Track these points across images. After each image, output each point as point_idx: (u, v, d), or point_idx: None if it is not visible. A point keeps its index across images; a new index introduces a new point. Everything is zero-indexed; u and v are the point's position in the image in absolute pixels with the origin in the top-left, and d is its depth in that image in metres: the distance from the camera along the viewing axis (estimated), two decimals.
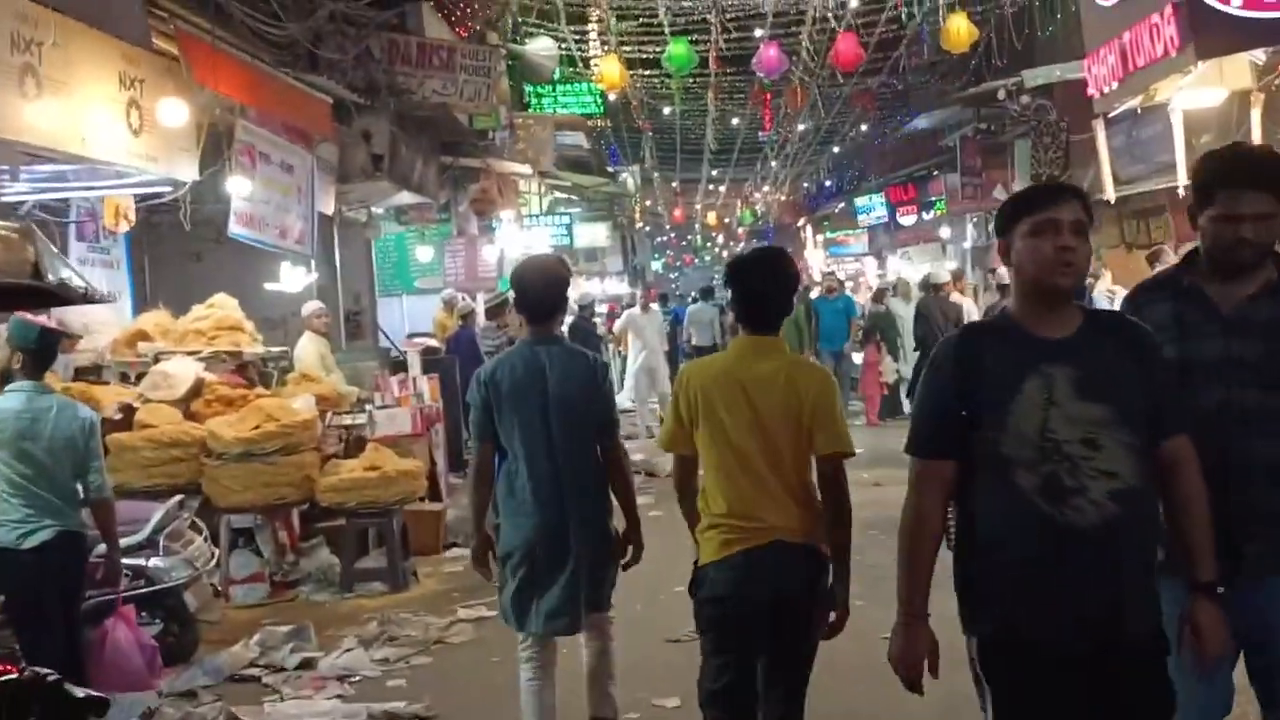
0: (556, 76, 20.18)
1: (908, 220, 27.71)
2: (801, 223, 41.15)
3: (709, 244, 60.35)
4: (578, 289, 17.26)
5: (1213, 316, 3.04)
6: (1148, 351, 2.81)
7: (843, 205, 34.16)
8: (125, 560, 5.98)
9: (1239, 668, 3.17)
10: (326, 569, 8.52)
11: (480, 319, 15.00)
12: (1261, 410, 2.98)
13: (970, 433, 2.76)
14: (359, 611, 7.70)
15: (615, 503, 4.83)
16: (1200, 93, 9.93)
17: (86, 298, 6.43)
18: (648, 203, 39.86)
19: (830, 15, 16.46)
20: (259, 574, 8.15)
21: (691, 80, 21.40)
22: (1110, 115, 11.36)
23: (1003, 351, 2.78)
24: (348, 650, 6.73)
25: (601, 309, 22.66)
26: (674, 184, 39.98)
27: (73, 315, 8.64)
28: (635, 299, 21.17)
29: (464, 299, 15.01)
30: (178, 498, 7.26)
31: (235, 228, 9.09)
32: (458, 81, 13.20)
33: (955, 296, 13.37)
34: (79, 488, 5.46)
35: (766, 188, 41.73)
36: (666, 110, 24.81)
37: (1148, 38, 9.24)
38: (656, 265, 54.85)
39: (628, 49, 18.33)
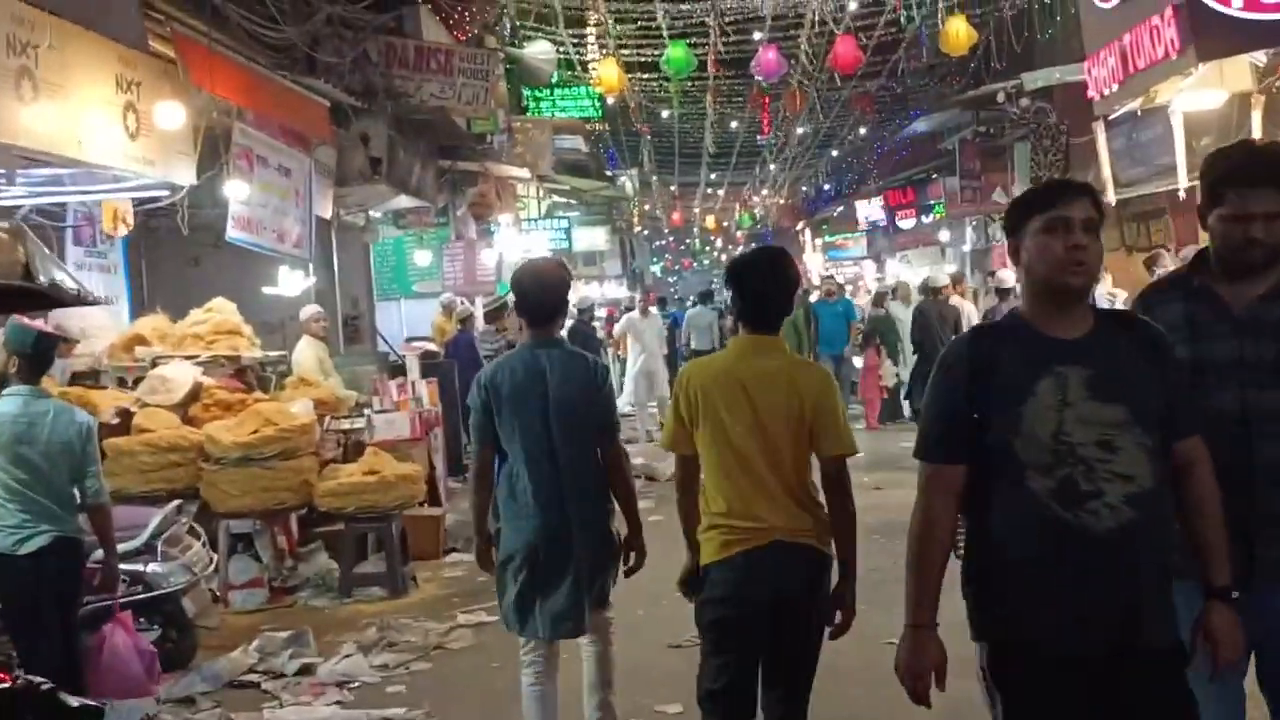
0: (554, 80, 20.18)
1: (907, 223, 27.71)
2: (800, 226, 41.17)
3: (707, 248, 60.36)
4: (576, 293, 17.21)
5: (1224, 317, 3.00)
6: (1161, 351, 2.76)
7: (841, 209, 34.19)
8: (123, 566, 5.95)
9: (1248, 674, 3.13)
10: (325, 574, 8.48)
11: (479, 323, 14.97)
12: (1277, 412, 2.93)
13: (981, 436, 2.70)
14: (358, 617, 7.66)
15: (616, 506, 4.81)
16: (1200, 95, 9.91)
17: (79, 299, 6.40)
18: (646, 206, 39.85)
19: (830, 19, 16.43)
20: (257, 579, 8.10)
21: (690, 84, 21.40)
22: (1110, 117, 11.34)
23: (1014, 353, 2.72)
24: (347, 656, 6.67)
25: (600, 313, 22.64)
26: (672, 188, 39.99)
27: (71, 320, 8.62)
28: (634, 303, 21.15)
29: (462, 303, 14.99)
30: (176, 503, 7.23)
31: (233, 232, 9.06)
32: (455, 85, 13.18)
33: (955, 300, 13.34)
34: (76, 493, 5.42)
35: (765, 191, 41.75)
36: (665, 114, 24.79)
37: (1148, 39, 9.22)
38: (655, 269, 54.85)
39: (626, 52, 18.31)
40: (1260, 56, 9.14)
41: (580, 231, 25.02)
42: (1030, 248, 2.74)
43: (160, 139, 7.60)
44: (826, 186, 37.77)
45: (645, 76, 20.77)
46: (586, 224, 26.34)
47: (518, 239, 19.54)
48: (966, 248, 24.50)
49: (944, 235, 25.32)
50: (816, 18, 16.59)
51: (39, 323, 6.13)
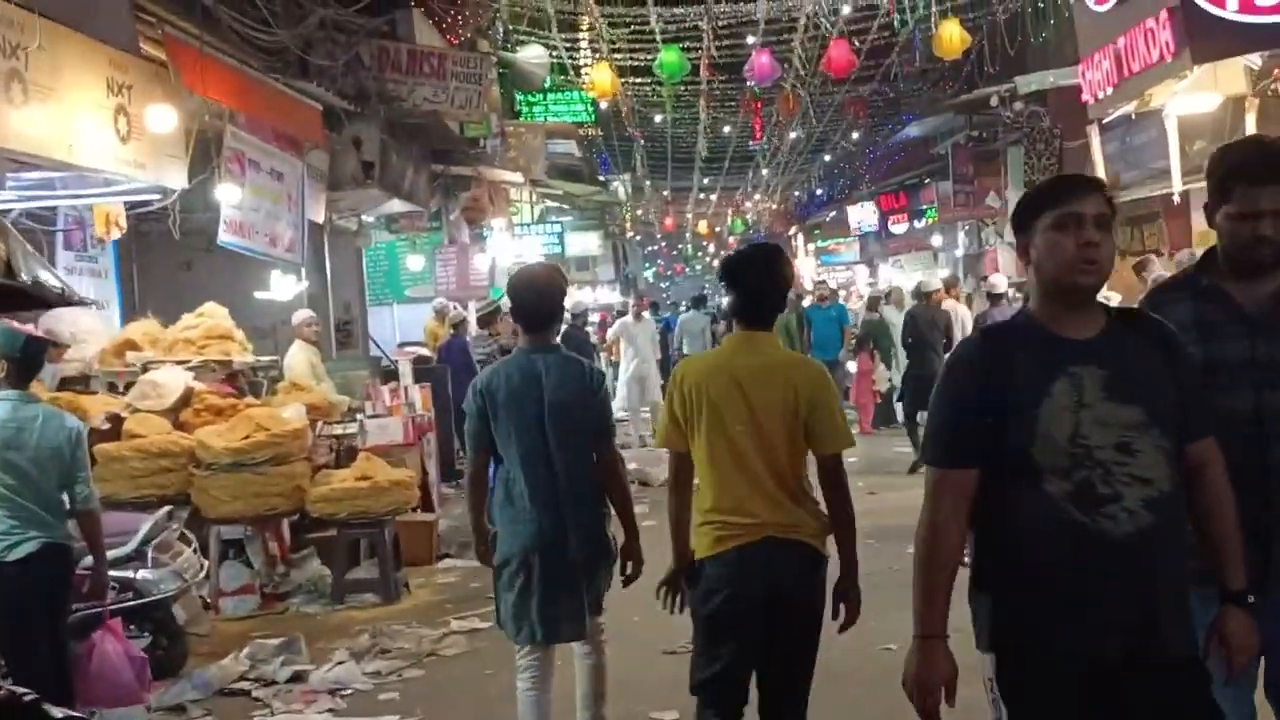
0: (547, 85, 20.15)
1: (899, 228, 27.75)
2: (793, 231, 41.19)
3: (700, 253, 60.35)
4: (570, 298, 17.21)
5: (1235, 317, 2.94)
6: (1174, 350, 2.70)
7: (834, 214, 34.21)
8: (113, 572, 5.88)
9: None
10: (317, 580, 8.42)
11: (472, 328, 14.92)
12: None
13: (994, 439, 2.62)
14: (350, 623, 7.60)
15: (612, 511, 4.80)
16: (1195, 98, 9.91)
17: (63, 299, 6.34)
18: (638, 211, 39.85)
19: (824, 21, 16.42)
20: (249, 586, 8.05)
21: (683, 88, 21.38)
22: (1104, 121, 11.34)
23: (1027, 353, 2.64)
24: (339, 663, 6.62)
25: (593, 318, 22.61)
26: (665, 192, 39.99)
27: (61, 324, 8.58)
28: (627, 307, 21.12)
29: (455, 308, 14.95)
30: (166, 509, 7.18)
31: (225, 236, 9.02)
32: (448, 89, 13.16)
33: (949, 304, 13.28)
34: (65, 499, 5.36)
35: (758, 196, 41.77)
36: (658, 118, 24.78)
37: (1143, 42, 9.22)
38: (647, 274, 54.86)
39: (619, 56, 18.29)
40: (1255, 59, 9.14)
41: (573, 236, 25.00)
42: (1040, 245, 2.65)
43: (151, 142, 7.56)
44: (819, 191, 37.81)
45: (638, 81, 20.75)
46: (579, 229, 26.31)
47: (510, 244, 19.51)
48: (959, 252, 24.52)
49: (936, 240, 25.35)
50: (810, 22, 16.57)
51: (28, 327, 6.09)
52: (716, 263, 49.92)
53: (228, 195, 8.89)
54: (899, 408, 14.97)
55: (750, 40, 17.63)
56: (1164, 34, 8.82)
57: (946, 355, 12.29)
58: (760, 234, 46.88)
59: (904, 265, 29.11)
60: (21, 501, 5.16)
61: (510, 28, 17.99)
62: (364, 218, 14.37)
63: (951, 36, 14.60)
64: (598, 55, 18.20)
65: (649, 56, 17.65)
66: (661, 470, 4.26)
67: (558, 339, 5.01)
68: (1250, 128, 9.64)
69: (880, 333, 15.56)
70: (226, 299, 9.99)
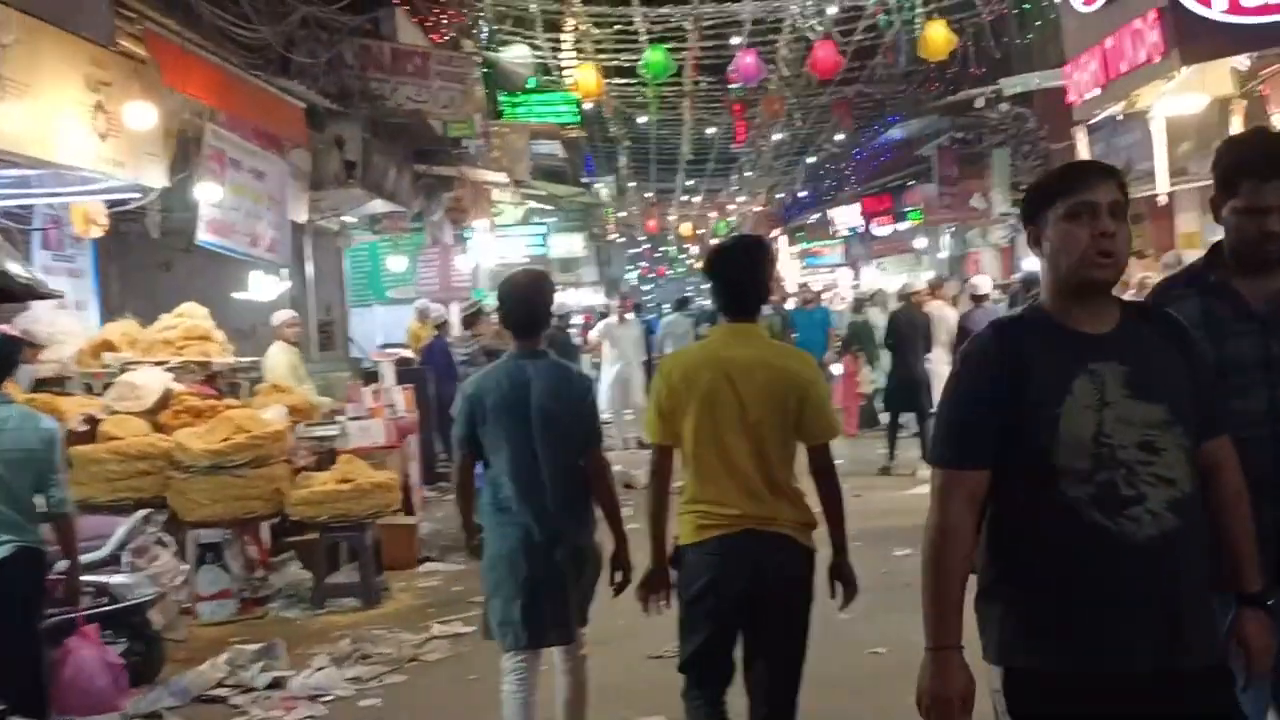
0: (532, 85, 20.08)
1: (883, 230, 27.80)
2: (776, 233, 41.21)
3: (683, 255, 60.35)
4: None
5: (1245, 314, 2.87)
6: (1189, 345, 2.60)
7: (817, 216, 34.25)
8: (88, 577, 5.80)
9: None
10: (297, 585, 8.31)
11: (455, 329, 14.84)
12: None
13: (1009, 438, 2.50)
14: (331, 628, 7.50)
15: (600, 518, 4.78)
16: (1181, 100, 9.92)
17: (30, 291, 6.24)
18: (622, 213, 39.82)
19: (808, 19, 16.40)
20: (227, 590, 7.93)
21: (667, 89, 21.34)
22: (1090, 123, 11.34)
23: (1044, 349, 2.53)
24: (319, 669, 6.52)
25: (577, 319, 22.53)
26: (648, 194, 39.98)
27: (38, 324, 8.48)
28: (610, 309, 21.04)
29: (438, 309, 14.86)
30: (143, 512, 7.06)
31: (204, 235, 8.95)
32: (432, 88, 13.09)
33: (934, 305, 13.26)
34: (39, 502, 5.26)
35: (742, 198, 41.79)
36: (642, 120, 24.73)
37: (1130, 44, 9.23)
38: (630, 276, 54.83)
39: (604, 56, 18.23)
40: (1243, 60, 9.14)
41: (557, 238, 24.94)
42: (1053, 237, 2.52)
43: (130, 140, 7.49)
44: (803, 193, 37.83)
45: (622, 81, 20.69)
46: (563, 230, 26.26)
47: (493, 245, 19.43)
48: (943, 254, 24.59)
49: (920, 242, 25.42)
50: (795, 22, 16.55)
51: (3, 327, 5.99)
52: (699, 265, 50.01)
53: (208, 194, 8.83)
54: (882, 408, 14.96)
55: (735, 41, 17.59)
56: (1152, 35, 8.83)
57: (926, 356, 12.25)
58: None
59: (887, 267, 29.20)
60: None
61: (494, 27, 17.91)
62: (346, 218, 14.29)
63: (937, 37, 14.58)
64: (582, 55, 18.13)
65: (634, 57, 17.59)
66: (645, 473, 4.22)
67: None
68: (1235, 129, 9.64)
69: (865, 335, 15.53)
70: (206, 299, 9.89)
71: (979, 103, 16.20)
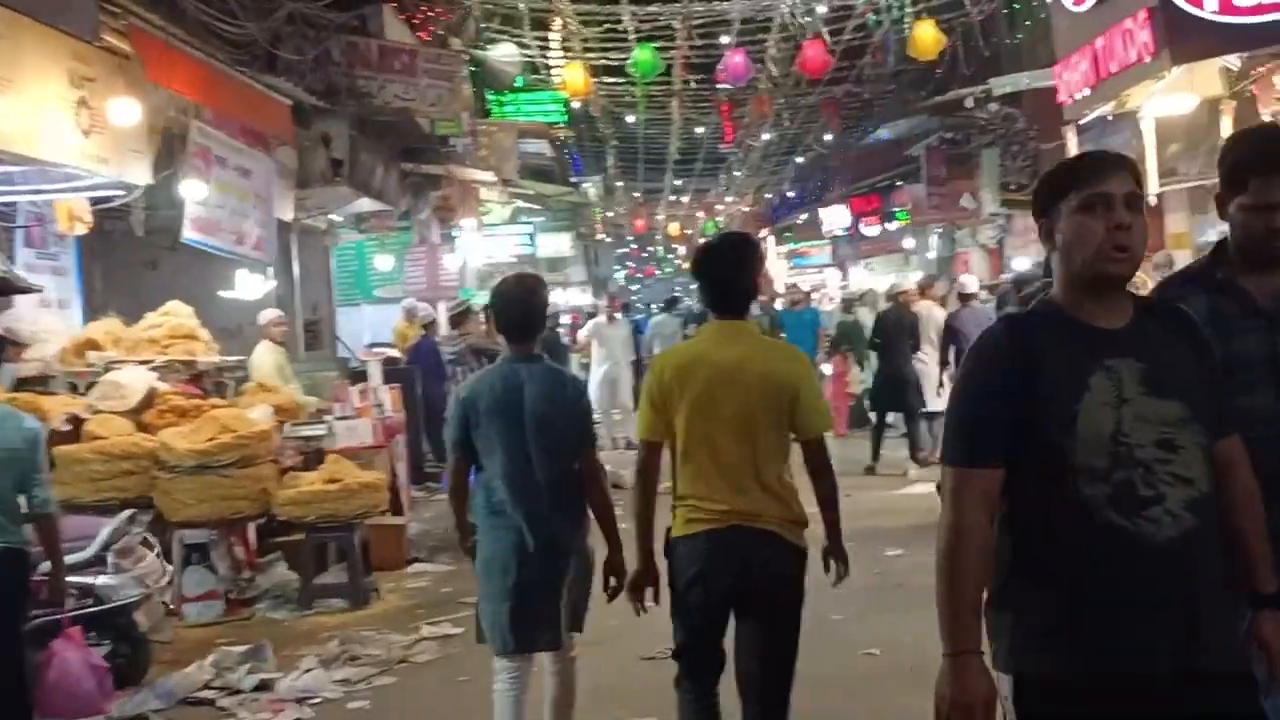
0: (519, 84, 20.02)
1: (871, 231, 27.79)
2: (764, 234, 41.20)
3: (670, 255, 60.31)
4: None
5: (1252, 311, 2.81)
6: (1201, 341, 2.55)
7: (806, 216, 34.24)
8: (73, 578, 5.73)
9: None
10: (284, 585, 8.27)
11: (443, 328, 14.78)
12: None
13: (1023, 436, 2.43)
14: (318, 630, 7.45)
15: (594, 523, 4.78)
16: (1171, 100, 9.90)
17: (6, 285, 6.17)
18: (609, 213, 39.77)
19: (799, 19, 16.37)
20: (213, 591, 7.87)
21: (656, 88, 21.29)
22: (1081, 123, 11.32)
23: (1058, 344, 2.46)
24: (307, 671, 6.47)
25: (564, 319, 22.48)
26: (636, 194, 39.93)
27: (21, 323, 8.42)
28: (598, 309, 20.98)
29: (425, 308, 14.80)
30: (128, 512, 6.98)
31: (190, 233, 8.88)
32: (419, 86, 13.03)
33: (923, 305, 13.24)
34: (22, 502, 5.18)
35: (730, 198, 41.77)
36: (630, 119, 24.67)
37: (1120, 43, 9.21)
38: (618, 276, 54.77)
39: (592, 55, 18.18)
40: (1234, 61, 9.12)
41: (544, 237, 24.89)
42: (1066, 230, 2.46)
43: (114, 137, 7.43)
44: (791, 194, 37.81)
45: (611, 80, 20.63)
46: (551, 230, 26.20)
47: (481, 244, 19.36)
48: (931, 255, 24.59)
49: (908, 242, 25.41)
50: (785, 21, 16.52)
51: None
52: (687, 265, 49.98)
53: (193, 192, 8.77)
54: (868, 406, 14.92)
55: (725, 40, 17.55)
56: (1143, 35, 8.80)
57: (918, 355, 12.18)
58: None
59: (875, 268, 29.19)
60: None
61: (482, 25, 17.83)
62: (332, 216, 14.21)
63: (926, 37, 14.56)
64: (570, 54, 18.07)
65: (622, 56, 17.54)
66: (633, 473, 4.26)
67: None
68: (1226, 130, 9.63)
69: (855, 335, 15.52)
70: (191, 298, 9.84)
71: (969, 103, 16.18)
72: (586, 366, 16.57)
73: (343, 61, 12.20)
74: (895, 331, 12.78)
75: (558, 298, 25.98)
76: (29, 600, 5.29)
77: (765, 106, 21.77)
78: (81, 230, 9.06)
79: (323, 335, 14.55)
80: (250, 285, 11.05)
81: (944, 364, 11.79)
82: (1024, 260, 17.93)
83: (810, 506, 4.03)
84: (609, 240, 46.31)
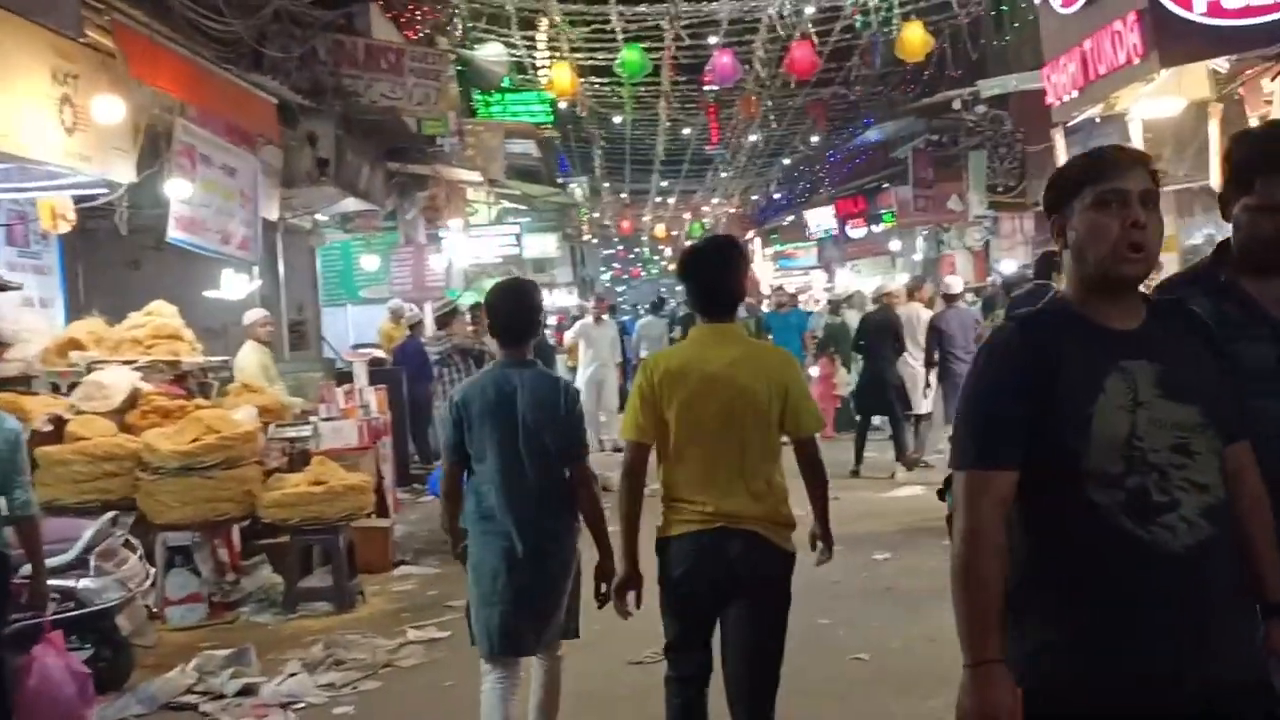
0: (506, 84, 19.96)
1: (857, 233, 27.81)
2: (750, 235, 41.22)
3: (656, 256, 60.31)
4: None
5: (1258, 317, 2.73)
6: (1215, 344, 2.48)
7: (792, 218, 34.26)
8: (54, 581, 5.65)
9: None
10: (269, 589, 8.21)
11: (429, 329, 14.70)
12: None
13: (1033, 439, 2.36)
14: (303, 633, 7.39)
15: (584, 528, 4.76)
16: (1158, 102, 9.88)
17: None
18: (595, 214, 39.72)
19: (786, 18, 16.34)
20: (197, 594, 7.81)
21: (643, 89, 21.25)
22: (1069, 125, 11.31)
23: (1072, 345, 2.39)
24: (291, 675, 6.41)
25: (550, 320, 22.40)
26: (623, 195, 39.89)
27: (3, 323, 8.31)
28: (584, 310, 20.89)
29: (411, 309, 14.74)
30: (111, 514, 6.91)
31: (174, 232, 8.81)
32: (406, 85, 12.97)
33: (911, 307, 13.22)
34: (2, 504, 5.11)
35: (716, 199, 41.77)
36: (617, 119, 24.62)
37: (1109, 45, 9.18)
38: (604, 277, 54.77)
39: (579, 55, 18.13)
40: (1222, 63, 9.11)
41: (530, 238, 24.79)
42: (1079, 227, 2.39)
43: (98, 134, 7.35)
44: (777, 195, 37.83)
45: (598, 81, 20.58)
46: (537, 230, 26.11)
47: (467, 244, 19.30)
48: (917, 257, 24.63)
49: (894, 245, 25.43)
50: (773, 23, 16.50)
51: None
52: (673, 267, 49.97)
53: (178, 190, 8.70)
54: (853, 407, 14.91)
55: (712, 40, 17.52)
56: (1132, 36, 8.78)
57: (907, 356, 12.11)
58: None
59: (862, 270, 29.22)
60: None
61: (469, 24, 17.77)
62: (318, 216, 14.14)
63: (914, 39, 14.55)
64: (557, 54, 18.01)
65: (609, 56, 17.49)
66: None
67: None
68: (1213, 132, 9.64)
69: (842, 336, 15.52)
70: (176, 297, 9.78)
71: (956, 104, 16.19)
72: (573, 369, 16.50)
73: (329, 60, 12.13)
74: (879, 334, 12.76)
75: (544, 299, 25.88)
76: (9, 604, 5.23)
77: (752, 108, 21.74)
78: (65, 229, 8.98)
79: (308, 336, 14.48)
80: (235, 285, 10.97)
81: (929, 365, 11.78)
82: (1010, 263, 17.97)
83: (799, 509, 4.03)
84: (595, 241, 46.27)
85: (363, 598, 8.21)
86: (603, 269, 55.55)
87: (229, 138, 9.74)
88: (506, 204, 23.01)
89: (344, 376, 11.40)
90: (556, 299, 29.72)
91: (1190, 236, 12.98)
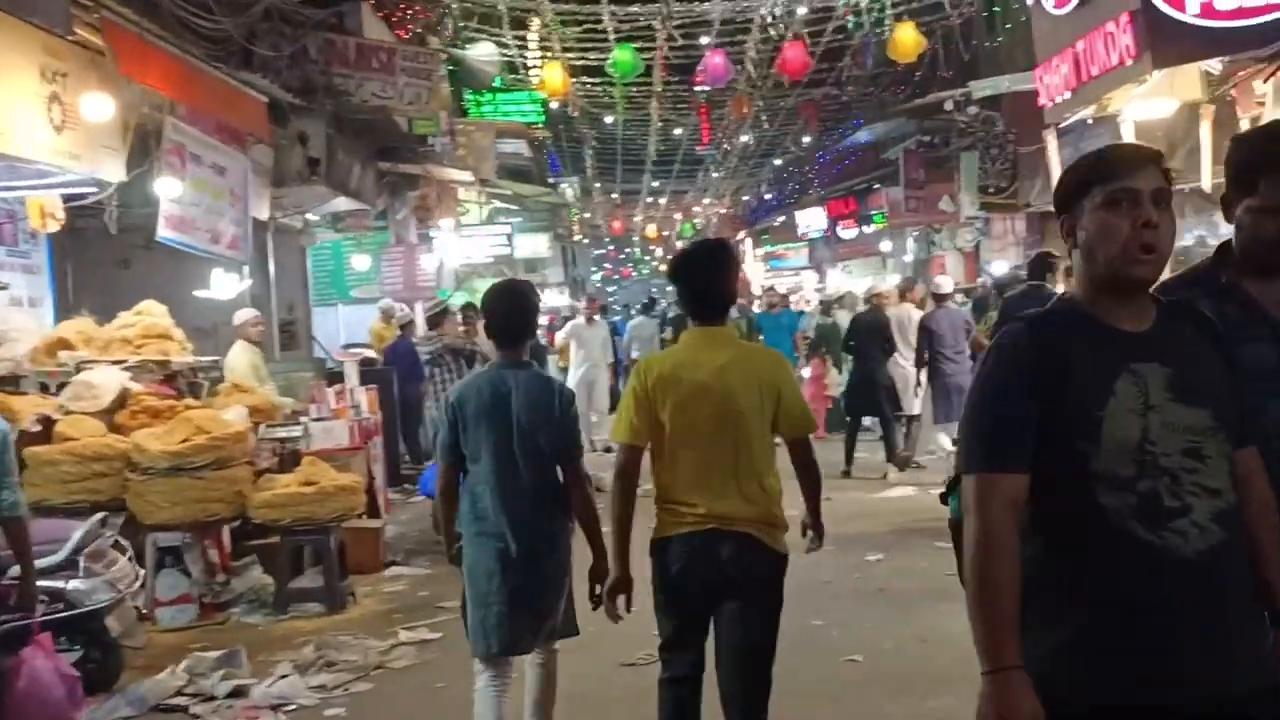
0: (498, 83, 19.92)
1: (848, 234, 27.83)
2: (741, 236, 41.24)
3: (647, 256, 60.31)
4: None
5: (1259, 318, 2.68)
6: (1225, 346, 2.44)
7: (783, 219, 34.28)
8: (43, 582, 5.59)
9: None
10: (259, 590, 8.17)
11: (420, 329, 14.67)
12: None
13: (1042, 442, 2.32)
14: (294, 635, 7.34)
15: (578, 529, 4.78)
16: (1151, 104, 9.89)
17: None
18: (586, 215, 39.69)
19: (778, 20, 16.34)
20: (187, 595, 7.76)
21: (634, 89, 21.24)
22: (1061, 126, 11.32)
23: (1082, 346, 2.36)
24: (282, 677, 6.35)
25: (542, 320, 22.32)
26: (614, 195, 39.87)
27: None
28: (574, 310, 20.84)
29: (402, 309, 14.69)
30: (100, 515, 6.85)
31: (164, 231, 8.77)
32: (397, 84, 12.92)
33: (903, 308, 13.20)
34: None
35: (707, 200, 41.77)
36: (609, 119, 24.60)
37: (1102, 46, 9.19)
38: (595, 277, 54.75)
39: (571, 55, 18.11)
40: (1215, 65, 9.12)
41: (522, 238, 24.73)
42: (1089, 227, 2.34)
43: (87, 132, 7.31)
44: (768, 196, 37.83)
45: (590, 80, 20.56)
46: (528, 230, 26.05)
47: (458, 244, 19.25)
48: (908, 258, 24.65)
49: (885, 245, 25.46)
50: (765, 23, 16.50)
51: None
52: (664, 267, 49.98)
53: (167, 189, 8.66)
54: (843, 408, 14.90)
55: (704, 40, 17.51)
56: (1124, 38, 8.79)
57: (897, 356, 12.09)
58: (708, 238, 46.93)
59: (853, 270, 29.27)
60: None
61: (460, 24, 17.73)
62: (309, 215, 14.08)
63: (906, 39, 14.55)
64: (549, 54, 17.99)
65: (601, 56, 17.47)
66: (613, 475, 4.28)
67: None
68: (1205, 134, 9.65)
69: (833, 337, 15.49)
70: (165, 297, 9.72)
71: (948, 105, 16.20)
72: (565, 370, 16.47)
73: (320, 59, 12.08)
74: (868, 335, 12.76)
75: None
76: None
77: (744, 108, 21.73)
78: (54, 228, 8.94)
79: (299, 335, 14.44)
80: (225, 284, 10.92)
81: (920, 364, 11.78)
82: (1002, 264, 18.00)
83: (791, 509, 4.06)
84: (586, 242, 46.23)
85: (354, 599, 8.17)
86: (594, 269, 55.54)
87: (219, 136, 9.70)
88: (498, 204, 22.95)
89: (335, 376, 11.37)
90: (548, 299, 29.65)
91: (1181, 238, 12.99)
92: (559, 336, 17.26)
